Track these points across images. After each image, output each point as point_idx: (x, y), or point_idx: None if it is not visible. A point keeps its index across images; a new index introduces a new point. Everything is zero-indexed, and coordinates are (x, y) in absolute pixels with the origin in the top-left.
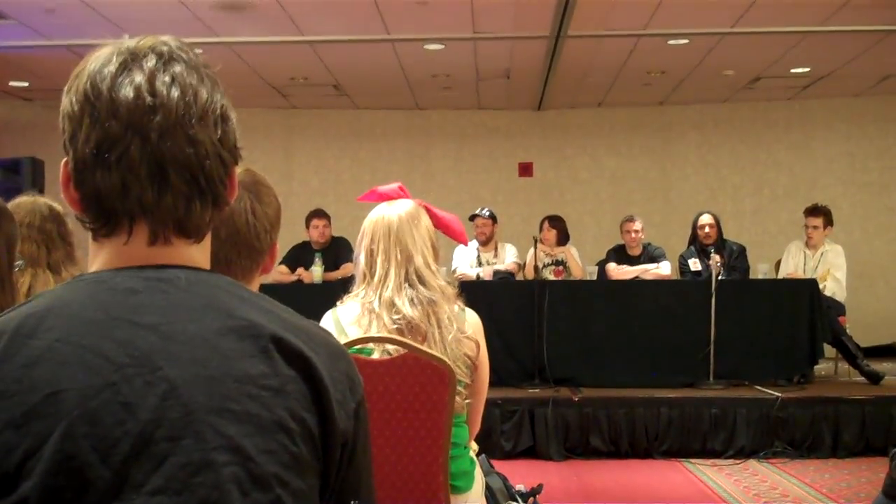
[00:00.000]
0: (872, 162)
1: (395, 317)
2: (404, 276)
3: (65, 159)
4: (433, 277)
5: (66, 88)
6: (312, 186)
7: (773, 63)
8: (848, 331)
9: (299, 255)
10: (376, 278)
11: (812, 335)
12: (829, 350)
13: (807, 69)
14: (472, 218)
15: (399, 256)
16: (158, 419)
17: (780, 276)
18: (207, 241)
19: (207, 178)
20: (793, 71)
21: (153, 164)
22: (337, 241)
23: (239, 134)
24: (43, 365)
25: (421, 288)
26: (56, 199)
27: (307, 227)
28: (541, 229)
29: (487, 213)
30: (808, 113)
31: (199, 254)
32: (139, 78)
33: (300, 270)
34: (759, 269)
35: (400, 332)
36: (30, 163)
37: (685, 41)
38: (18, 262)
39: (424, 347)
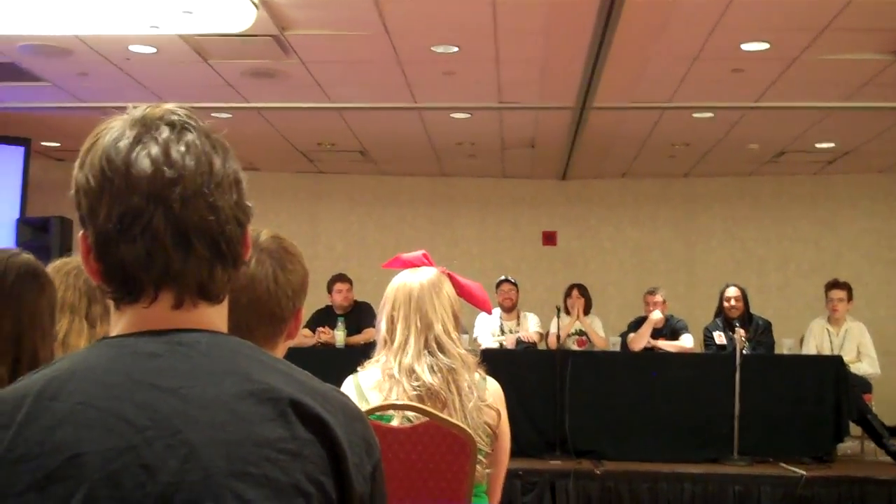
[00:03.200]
0: None
1: (415, 384)
2: (424, 344)
3: (82, 232)
4: (453, 345)
5: (78, 163)
6: (337, 251)
7: (797, 138)
8: (874, 409)
9: (322, 320)
10: (396, 345)
11: (837, 413)
12: (854, 428)
13: (831, 144)
14: (499, 285)
15: (419, 324)
16: (178, 482)
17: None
18: (225, 303)
19: (228, 242)
20: (817, 146)
21: (177, 232)
22: (359, 306)
23: (250, 193)
24: (65, 428)
25: (441, 356)
26: None
27: (329, 291)
28: (568, 296)
29: (513, 280)
30: (833, 188)
31: (218, 316)
32: (155, 150)
33: (323, 329)
34: (784, 345)
35: (420, 398)
36: (59, 222)
37: (710, 115)
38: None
39: (444, 415)
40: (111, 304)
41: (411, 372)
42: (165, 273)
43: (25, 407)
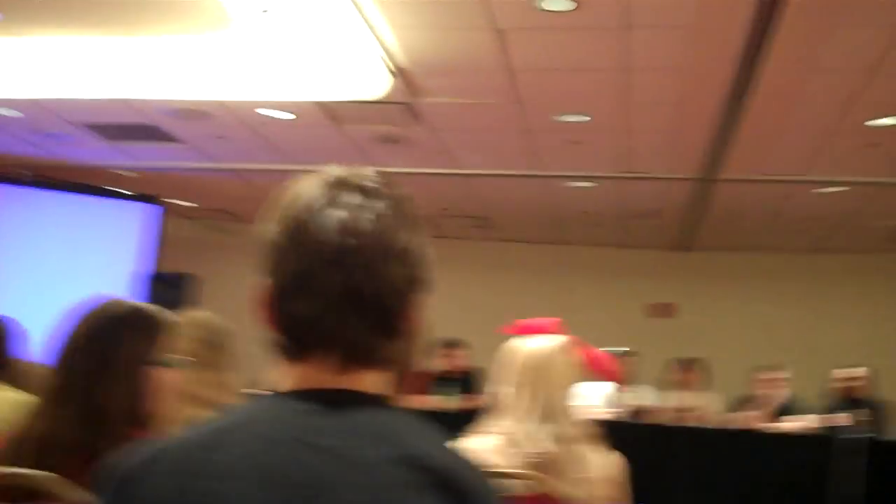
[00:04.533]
0: None
1: (535, 451)
2: (542, 411)
3: (265, 281)
4: (574, 415)
5: (272, 216)
6: (452, 316)
7: None
8: None
9: (434, 384)
10: (515, 410)
11: None
12: None
13: None
14: (619, 357)
15: (539, 390)
16: None
17: None
18: (391, 373)
19: (396, 314)
20: None
21: (347, 298)
22: (472, 372)
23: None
24: (227, 481)
25: (559, 424)
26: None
27: (442, 356)
28: (686, 370)
29: (626, 351)
30: None
31: (382, 383)
32: (343, 215)
33: (434, 398)
34: None
35: (538, 466)
36: (188, 279)
37: (843, 189)
38: (183, 359)
39: (560, 485)
40: (278, 355)
41: (531, 438)
42: (331, 335)
43: (193, 458)
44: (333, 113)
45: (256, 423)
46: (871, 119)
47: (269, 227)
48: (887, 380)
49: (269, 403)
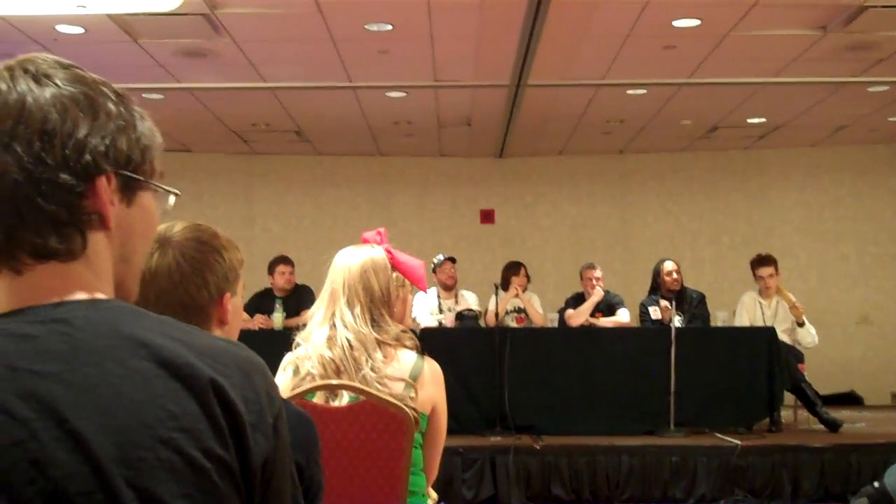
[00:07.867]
0: (828, 211)
1: (318, 356)
2: (330, 317)
3: None
4: (355, 324)
5: None
6: (274, 232)
7: (729, 113)
8: (807, 378)
9: (261, 303)
10: (313, 316)
11: (771, 383)
12: (788, 397)
13: (762, 119)
14: (441, 263)
15: (331, 299)
16: (69, 475)
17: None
18: (97, 259)
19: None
20: (749, 121)
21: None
22: (299, 289)
23: (183, 174)
24: None
25: (342, 331)
26: None
27: (271, 273)
28: (512, 274)
29: (450, 258)
30: (764, 163)
31: (90, 274)
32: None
33: (259, 317)
34: (718, 317)
35: (326, 370)
36: None
37: (643, 91)
38: None
39: (355, 386)
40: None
41: (316, 345)
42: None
43: None
44: (128, 27)
45: None
46: (666, 21)
47: None
48: (694, 271)
49: None
